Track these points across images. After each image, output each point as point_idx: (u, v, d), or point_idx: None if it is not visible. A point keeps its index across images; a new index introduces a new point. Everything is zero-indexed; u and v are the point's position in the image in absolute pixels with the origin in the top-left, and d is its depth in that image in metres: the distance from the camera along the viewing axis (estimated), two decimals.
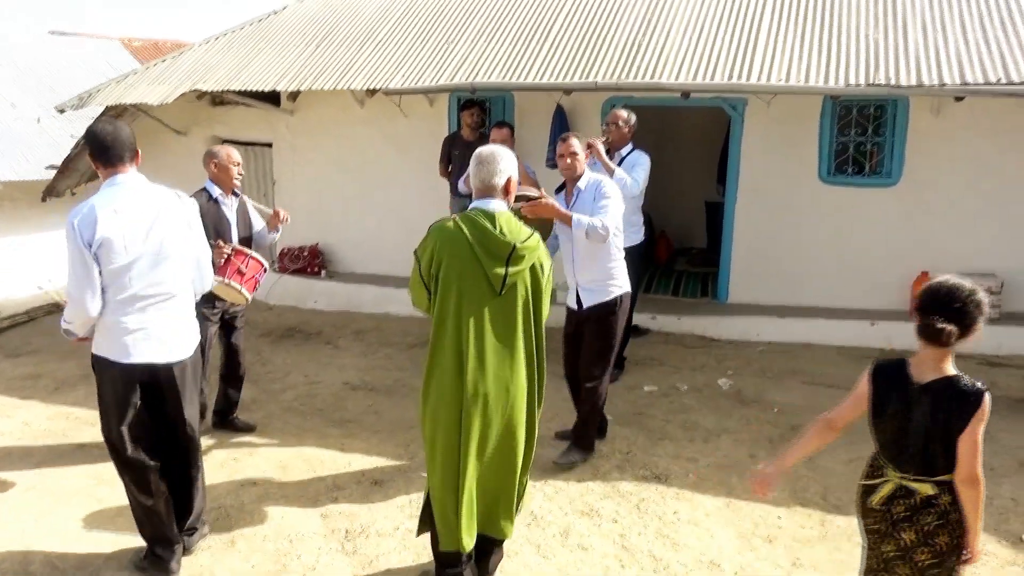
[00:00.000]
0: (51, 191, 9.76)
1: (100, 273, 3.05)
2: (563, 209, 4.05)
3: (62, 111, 8.21)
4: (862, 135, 6.55)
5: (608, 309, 4.23)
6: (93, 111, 8.65)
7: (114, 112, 8.36)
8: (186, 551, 3.49)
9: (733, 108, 6.66)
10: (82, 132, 10.45)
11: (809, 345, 6.39)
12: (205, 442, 4.69)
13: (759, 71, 5.93)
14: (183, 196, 3.37)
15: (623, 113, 5.42)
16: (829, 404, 5.05)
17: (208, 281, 3.47)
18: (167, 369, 3.24)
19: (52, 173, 9.88)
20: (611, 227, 4.02)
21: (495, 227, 2.89)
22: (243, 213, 4.74)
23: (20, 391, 5.63)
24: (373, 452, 4.59)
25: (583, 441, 4.37)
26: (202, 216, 4.46)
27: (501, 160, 2.97)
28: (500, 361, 2.95)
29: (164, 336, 3.21)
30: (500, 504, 3.13)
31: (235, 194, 4.69)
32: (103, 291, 3.08)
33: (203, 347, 4.00)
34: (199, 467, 3.52)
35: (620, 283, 4.28)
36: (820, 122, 6.55)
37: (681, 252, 9.03)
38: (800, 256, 6.78)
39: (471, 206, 2.98)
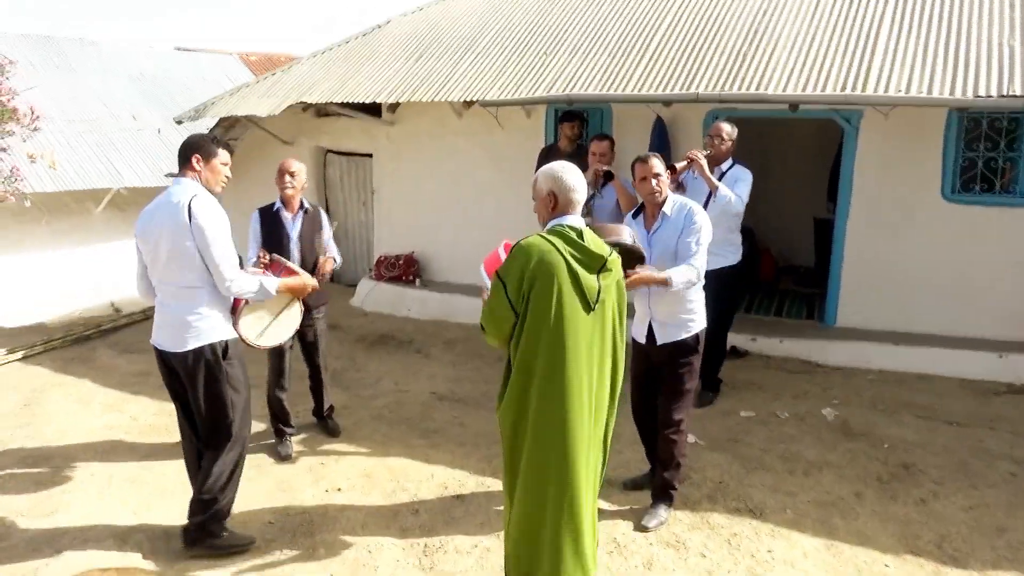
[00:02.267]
0: None
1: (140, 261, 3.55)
2: (659, 275, 3.64)
3: (180, 122, 8.67)
4: (992, 150, 6.03)
5: (689, 348, 3.83)
6: (209, 122, 9.10)
7: (227, 123, 8.77)
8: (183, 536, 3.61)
9: (847, 120, 6.27)
10: None
11: (926, 376, 5.91)
12: (296, 446, 4.81)
13: (876, 81, 5.56)
14: (199, 202, 3.39)
15: (726, 126, 5.19)
16: (948, 442, 4.72)
17: (233, 283, 3.45)
18: (175, 356, 3.49)
19: (170, 181, 10.47)
20: (703, 267, 3.76)
21: (584, 240, 2.82)
22: (310, 227, 4.72)
23: (131, 387, 5.92)
24: (456, 465, 4.54)
25: (667, 495, 3.96)
26: (266, 226, 4.61)
27: (579, 177, 2.92)
28: (591, 380, 2.84)
29: (171, 326, 3.49)
30: (577, 534, 2.96)
31: (304, 209, 4.72)
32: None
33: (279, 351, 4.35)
34: (221, 460, 3.58)
35: (699, 317, 3.88)
36: (944, 136, 6.07)
37: (786, 271, 8.61)
38: (919, 279, 6.30)
39: (554, 221, 2.88)
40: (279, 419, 4.83)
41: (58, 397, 5.69)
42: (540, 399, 2.78)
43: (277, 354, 4.72)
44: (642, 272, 3.58)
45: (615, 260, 2.90)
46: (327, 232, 4.85)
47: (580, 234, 2.83)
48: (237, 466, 3.67)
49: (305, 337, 4.83)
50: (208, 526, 3.58)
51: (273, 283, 3.67)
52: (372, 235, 8.91)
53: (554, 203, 2.89)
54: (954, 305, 6.21)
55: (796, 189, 8.66)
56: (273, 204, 4.73)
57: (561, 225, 2.86)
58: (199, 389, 3.52)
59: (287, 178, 4.61)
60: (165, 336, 3.51)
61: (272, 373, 4.80)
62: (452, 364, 6.46)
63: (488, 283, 3.05)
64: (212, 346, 3.50)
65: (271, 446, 4.80)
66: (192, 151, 3.49)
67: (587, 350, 2.81)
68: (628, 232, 3.54)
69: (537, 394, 2.78)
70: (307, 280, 4.01)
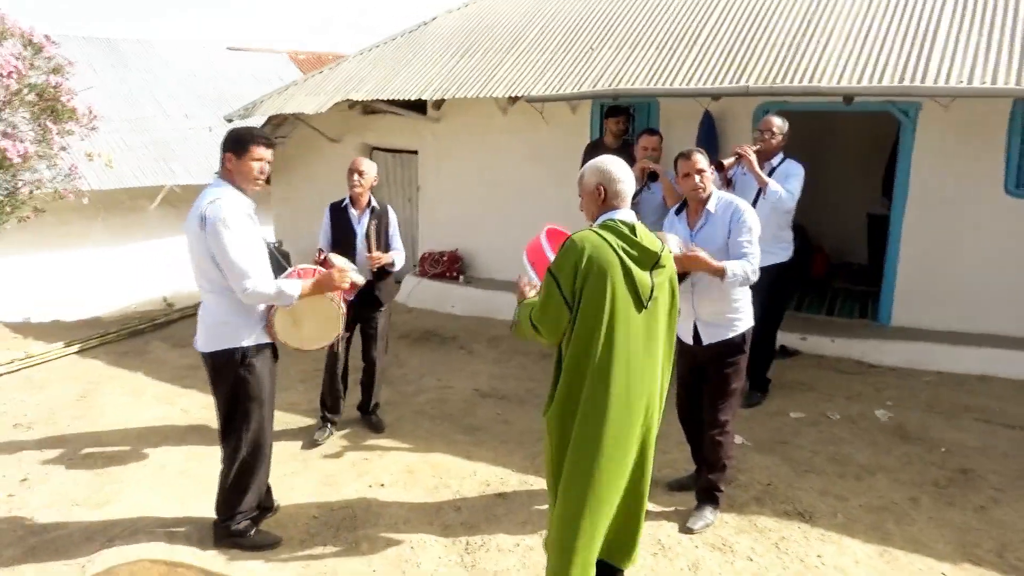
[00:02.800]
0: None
1: None
2: (715, 263, 3.52)
3: (230, 120, 8.82)
4: None
5: (735, 347, 3.72)
6: (258, 120, 9.24)
7: (275, 121, 8.91)
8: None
9: (904, 113, 6.06)
10: None
11: (987, 378, 5.69)
12: (340, 440, 4.86)
13: (936, 72, 5.35)
14: (217, 204, 3.30)
15: (776, 120, 5.06)
16: (1009, 448, 4.53)
17: (249, 287, 3.32)
18: (201, 355, 3.54)
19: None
20: (758, 268, 3.66)
21: (636, 235, 2.76)
22: (377, 225, 4.77)
23: (182, 380, 6.05)
24: (499, 463, 4.53)
25: (712, 497, 3.87)
26: (335, 222, 4.64)
27: (627, 169, 2.87)
28: (644, 378, 2.79)
29: (199, 325, 3.53)
30: (627, 530, 2.94)
31: (372, 207, 4.78)
32: None
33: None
34: (236, 458, 3.56)
35: (745, 316, 3.76)
36: (1008, 128, 5.82)
37: (838, 268, 8.38)
38: (979, 277, 6.06)
39: (606, 216, 2.82)
40: (326, 406, 4.95)
41: (112, 389, 5.85)
42: (589, 401, 2.72)
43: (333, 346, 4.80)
44: (700, 253, 3.48)
45: (668, 256, 2.83)
46: (394, 230, 4.90)
47: (633, 229, 2.77)
48: (250, 472, 3.59)
49: (365, 331, 4.92)
50: (230, 526, 3.60)
51: (295, 286, 3.46)
52: (416, 232, 8.95)
53: (603, 196, 2.83)
54: (1017, 304, 5.96)
55: (849, 184, 8.43)
56: (343, 200, 4.84)
57: (612, 220, 2.80)
58: (216, 392, 3.55)
59: (355, 177, 4.69)
60: (198, 334, 3.55)
61: (328, 363, 4.93)
62: (495, 361, 6.45)
63: (530, 271, 3.01)
64: (230, 351, 3.44)
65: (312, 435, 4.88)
66: (225, 148, 3.42)
67: (639, 349, 2.75)
68: (676, 241, 3.47)
69: (587, 396, 2.72)
70: (343, 276, 3.67)
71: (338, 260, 4.02)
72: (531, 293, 3.01)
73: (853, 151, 8.49)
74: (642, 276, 2.74)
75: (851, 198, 8.40)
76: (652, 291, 2.76)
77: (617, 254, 2.70)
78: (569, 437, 2.77)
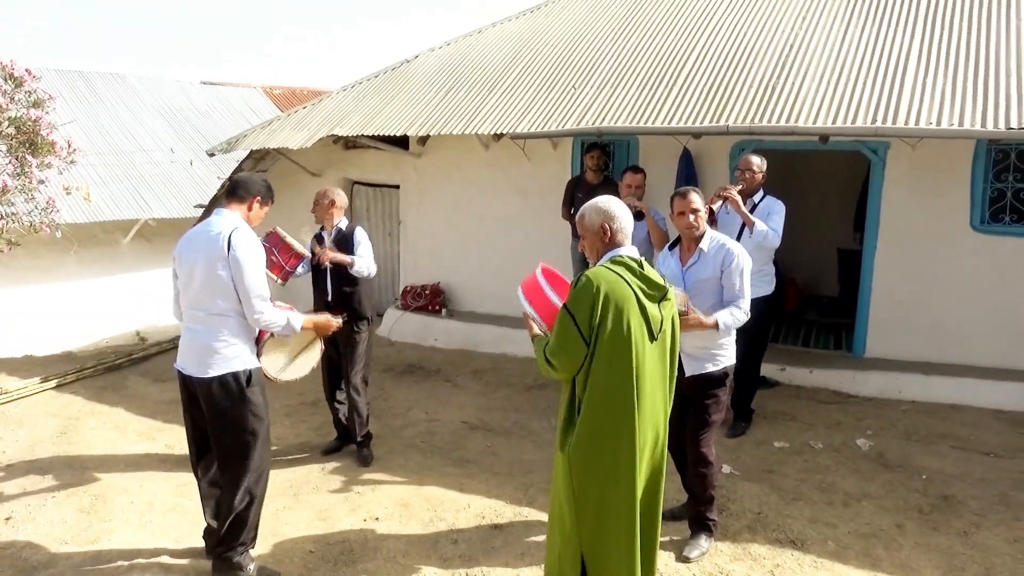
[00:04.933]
0: None
1: (175, 285, 3.64)
2: (707, 320, 3.66)
3: (212, 154, 8.84)
4: (1022, 181, 6.05)
5: (717, 382, 3.81)
6: (238, 154, 9.27)
7: (257, 155, 8.93)
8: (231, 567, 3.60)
9: (874, 152, 6.32)
10: (227, 174, 11.25)
11: (959, 407, 5.87)
12: (331, 475, 4.83)
13: (906, 113, 5.61)
14: (239, 234, 3.47)
15: (756, 159, 5.25)
16: (987, 474, 4.68)
17: (260, 315, 3.49)
18: (198, 382, 3.51)
19: (199, 212, 10.64)
20: (748, 309, 3.81)
21: (645, 271, 2.88)
22: (339, 243, 5.02)
23: (164, 415, 5.97)
24: (492, 494, 4.55)
25: (705, 526, 3.94)
26: (312, 248, 4.99)
27: (625, 208, 3.00)
28: (656, 407, 2.88)
29: (197, 351, 3.51)
30: (647, 555, 2.98)
31: (339, 229, 5.06)
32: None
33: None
34: (240, 486, 3.54)
35: (729, 352, 3.85)
36: (972, 167, 6.10)
37: (810, 301, 8.60)
38: (948, 309, 6.29)
39: (613, 253, 2.91)
40: (337, 431, 5.27)
41: (94, 425, 5.75)
42: (615, 434, 2.79)
43: (327, 368, 5.10)
44: (694, 316, 3.61)
45: (672, 291, 2.96)
46: (362, 249, 5.02)
47: (640, 264, 2.89)
48: (256, 497, 3.62)
49: (345, 352, 5.04)
50: (232, 558, 3.57)
51: (299, 319, 3.69)
52: (398, 265, 9.00)
53: (609, 235, 2.92)
54: (985, 335, 6.19)
55: (820, 219, 8.69)
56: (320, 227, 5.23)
57: (620, 256, 2.89)
58: (220, 416, 3.51)
59: (314, 204, 5.13)
60: (190, 360, 3.52)
61: (326, 386, 5.22)
62: (481, 393, 6.48)
63: (529, 309, 3.07)
64: (236, 374, 3.50)
65: (305, 472, 4.86)
66: (256, 191, 3.64)
67: (653, 380, 2.85)
68: (680, 296, 3.54)
69: (614, 428, 2.78)
70: (331, 319, 4.06)
71: (287, 240, 4.58)
72: (539, 332, 3.06)
73: (823, 188, 8.78)
74: (653, 309, 2.85)
75: (822, 233, 8.66)
76: (662, 323, 2.87)
77: (631, 288, 2.80)
78: (596, 470, 2.81)
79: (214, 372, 3.47)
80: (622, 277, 2.80)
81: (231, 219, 3.54)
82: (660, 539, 3.93)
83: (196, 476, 3.76)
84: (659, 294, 2.88)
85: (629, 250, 2.93)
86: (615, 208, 2.96)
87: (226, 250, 3.41)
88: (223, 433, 3.53)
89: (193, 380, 3.52)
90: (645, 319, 2.82)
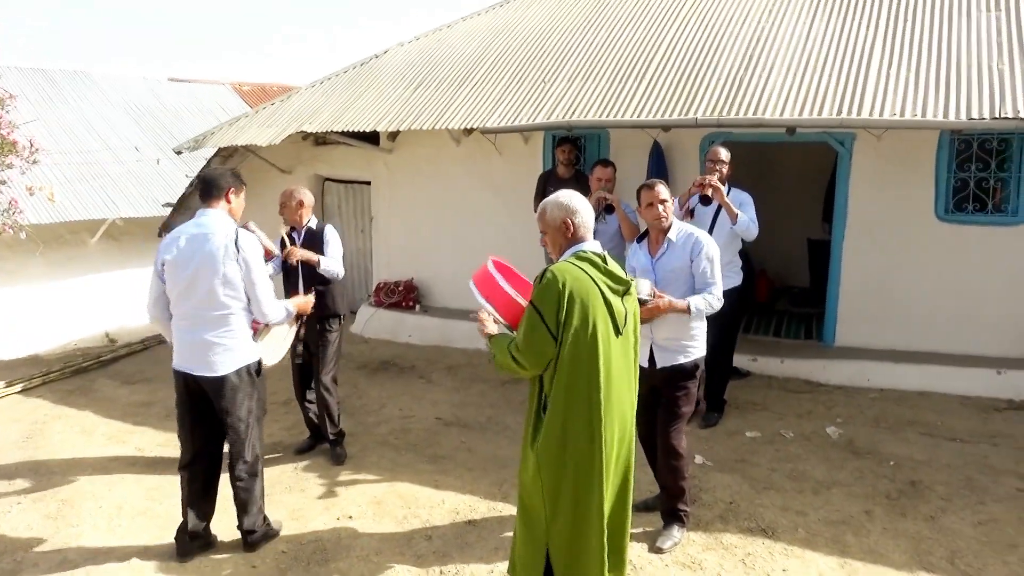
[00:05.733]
0: (166, 227, 10.32)
1: (165, 289, 3.64)
2: (679, 303, 3.68)
3: (179, 152, 8.71)
4: (984, 170, 6.16)
5: (687, 373, 3.83)
6: (206, 152, 9.14)
7: (225, 153, 8.82)
8: (248, 546, 3.85)
9: (840, 143, 6.40)
10: (195, 172, 11.10)
11: (926, 393, 5.97)
12: (304, 474, 4.80)
13: (871, 105, 5.68)
14: (244, 234, 3.64)
15: (723, 151, 5.27)
16: (953, 459, 4.77)
17: (269, 312, 3.72)
18: (210, 381, 3.62)
19: (167, 210, 10.48)
20: (721, 298, 3.82)
21: (608, 265, 2.87)
22: (309, 242, 4.97)
23: (134, 417, 5.89)
24: (467, 490, 4.54)
25: (678, 516, 3.96)
26: (282, 247, 4.96)
27: (586, 202, 2.97)
28: (622, 403, 2.88)
29: (203, 352, 3.60)
30: (616, 551, 2.97)
31: (308, 228, 5.02)
32: (168, 304, 3.66)
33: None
34: (248, 475, 3.78)
35: (700, 344, 3.86)
36: (936, 157, 6.20)
37: (781, 291, 8.69)
38: (915, 298, 6.39)
39: (576, 248, 2.89)
40: (309, 430, 5.23)
41: (60, 429, 5.65)
42: (583, 429, 2.77)
43: (297, 367, 5.12)
44: (665, 301, 3.64)
45: (636, 282, 2.97)
46: (332, 249, 4.97)
47: (604, 259, 2.88)
48: (260, 471, 3.90)
49: (315, 350, 5.00)
50: (268, 531, 3.92)
51: (291, 305, 3.94)
52: (371, 262, 8.94)
53: (571, 230, 2.90)
54: (951, 323, 6.30)
55: (789, 211, 8.76)
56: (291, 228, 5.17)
57: (584, 251, 2.88)
58: (236, 408, 3.67)
59: (282, 206, 5.06)
60: (197, 361, 3.61)
61: (296, 386, 5.23)
62: (455, 390, 6.47)
63: (483, 302, 3.03)
64: (248, 367, 3.70)
65: (278, 472, 4.83)
66: (227, 184, 3.69)
67: (619, 374, 2.85)
68: (647, 285, 3.61)
69: (584, 423, 2.77)
70: (308, 299, 4.36)
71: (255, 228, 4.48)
72: (493, 328, 3.03)
73: (792, 179, 8.86)
74: (618, 303, 2.85)
75: (792, 224, 8.74)
76: (626, 317, 2.87)
77: (596, 283, 2.79)
78: (565, 467, 2.79)
79: (227, 369, 3.61)
80: (586, 272, 2.79)
81: (222, 220, 3.66)
82: (633, 531, 3.99)
83: (183, 478, 3.80)
84: (623, 288, 2.88)
85: (592, 245, 2.92)
86: (576, 203, 2.93)
87: (235, 251, 3.55)
88: (238, 422, 3.69)
89: (201, 379, 3.62)
90: (611, 314, 2.82)
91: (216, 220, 3.63)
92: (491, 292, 2.99)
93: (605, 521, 2.83)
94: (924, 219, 6.31)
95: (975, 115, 5.34)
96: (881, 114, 5.58)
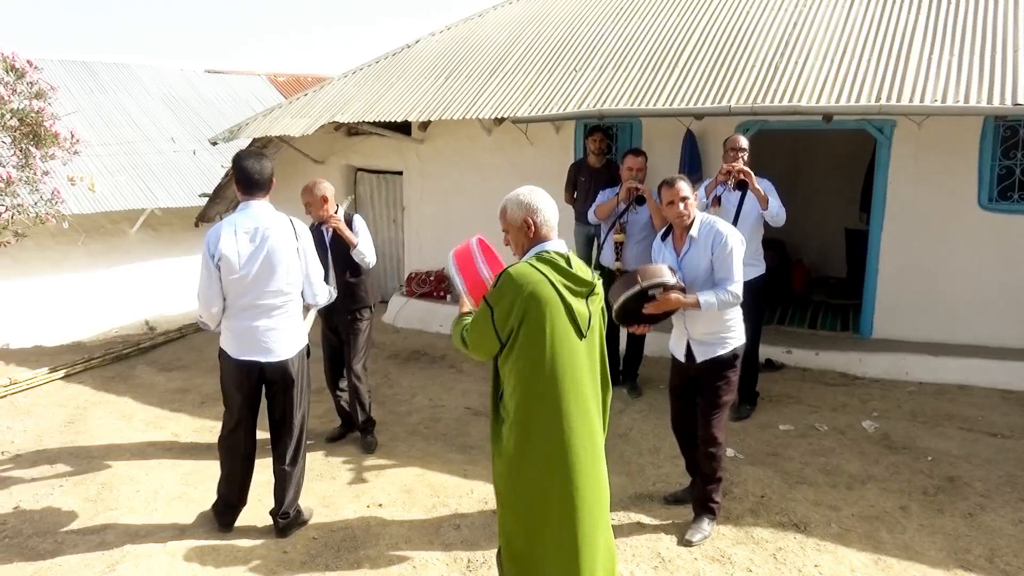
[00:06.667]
0: (203, 217, 10.52)
1: (221, 282, 3.66)
2: (687, 299, 3.68)
3: (215, 143, 8.83)
4: None
5: (727, 364, 3.82)
6: (241, 143, 9.25)
7: (260, 143, 8.92)
8: (280, 532, 3.92)
9: (879, 131, 6.24)
10: (230, 162, 11.26)
11: (966, 387, 5.83)
12: (335, 461, 4.86)
13: (911, 91, 5.53)
14: (297, 222, 3.86)
15: (742, 139, 5.12)
16: (993, 455, 4.65)
17: (320, 294, 3.98)
18: (275, 367, 3.78)
19: (204, 201, 10.65)
20: (741, 291, 3.75)
21: (571, 267, 2.74)
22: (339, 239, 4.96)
23: (170, 404, 6.01)
24: None
25: (709, 509, 3.93)
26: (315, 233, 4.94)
27: (548, 198, 2.85)
28: (587, 408, 2.74)
29: (269, 339, 3.75)
30: (588, 558, 2.80)
31: (344, 214, 5.01)
32: (224, 297, 3.70)
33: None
34: (296, 458, 3.94)
35: (737, 334, 3.87)
36: (980, 145, 6.01)
37: (818, 282, 8.54)
38: (956, 289, 6.23)
39: (539, 248, 2.78)
40: (340, 418, 5.27)
41: (100, 415, 5.79)
42: (545, 440, 2.66)
43: (329, 356, 5.16)
44: (674, 296, 3.64)
45: (599, 284, 2.82)
46: (362, 238, 4.96)
47: (568, 260, 2.74)
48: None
49: (347, 339, 5.04)
50: (300, 516, 4.00)
51: (333, 289, 4.32)
52: (402, 252, 8.99)
53: (533, 229, 2.78)
54: (993, 315, 6.13)
55: (827, 200, 8.61)
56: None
57: (547, 252, 2.74)
58: (296, 391, 3.86)
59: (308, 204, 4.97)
60: (264, 348, 3.75)
61: (328, 374, 5.23)
62: (485, 379, 6.45)
63: (454, 274, 3.03)
64: (304, 349, 3.93)
65: (309, 460, 4.87)
66: (268, 175, 3.76)
67: (583, 378, 2.73)
68: (668, 272, 3.63)
69: (542, 434, 2.66)
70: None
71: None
72: (467, 307, 3.00)
73: (830, 168, 8.69)
74: (580, 305, 2.72)
75: (829, 213, 8.58)
76: (590, 319, 2.75)
77: (556, 288, 2.66)
78: (529, 478, 2.69)
79: (290, 353, 3.80)
80: (546, 276, 2.66)
81: (271, 210, 3.77)
82: (662, 523, 3.98)
83: (226, 448, 3.96)
84: (586, 290, 2.75)
85: (556, 244, 2.78)
86: (538, 200, 2.80)
87: (295, 239, 3.76)
88: (296, 407, 3.88)
89: (270, 366, 3.77)
90: (572, 318, 2.69)
91: (267, 211, 3.74)
92: (465, 267, 2.99)
93: (578, 532, 2.70)
94: (966, 208, 6.14)
95: (1021, 101, 5.16)
96: (922, 100, 5.43)
